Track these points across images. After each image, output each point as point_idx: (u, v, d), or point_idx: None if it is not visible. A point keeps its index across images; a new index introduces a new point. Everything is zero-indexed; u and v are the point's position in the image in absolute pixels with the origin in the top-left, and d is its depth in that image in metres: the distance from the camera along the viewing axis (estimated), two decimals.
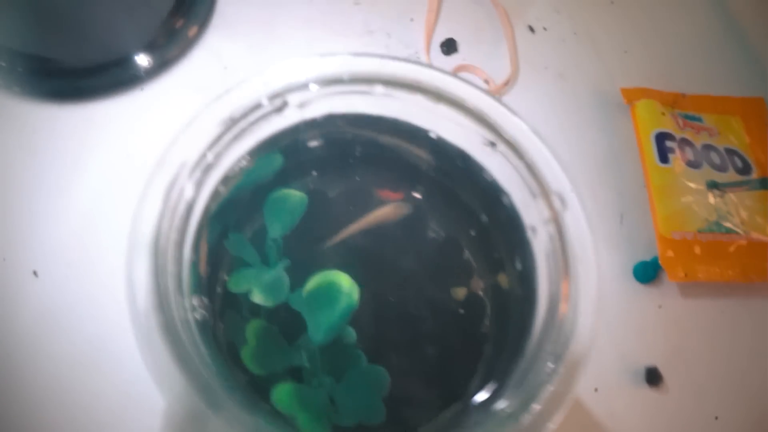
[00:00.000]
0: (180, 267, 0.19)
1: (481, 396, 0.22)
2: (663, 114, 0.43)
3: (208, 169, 0.21)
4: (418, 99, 0.23)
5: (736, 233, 0.40)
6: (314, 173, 0.29)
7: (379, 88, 0.23)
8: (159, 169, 0.19)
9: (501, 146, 0.23)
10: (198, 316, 0.20)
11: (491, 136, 0.23)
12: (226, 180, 0.22)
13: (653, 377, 0.37)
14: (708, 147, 0.43)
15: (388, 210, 0.29)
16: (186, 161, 0.20)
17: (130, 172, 0.37)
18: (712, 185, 0.41)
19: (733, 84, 0.46)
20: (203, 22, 0.43)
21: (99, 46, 0.41)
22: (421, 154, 0.26)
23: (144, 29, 0.43)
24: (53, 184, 0.37)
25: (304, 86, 0.22)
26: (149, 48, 0.41)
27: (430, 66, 0.22)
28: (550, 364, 0.19)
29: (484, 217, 0.27)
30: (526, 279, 0.23)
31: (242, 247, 0.26)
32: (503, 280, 0.28)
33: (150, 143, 0.38)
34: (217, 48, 0.43)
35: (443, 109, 0.23)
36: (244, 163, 0.23)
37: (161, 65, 0.42)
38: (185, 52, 0.43)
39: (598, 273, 0.20)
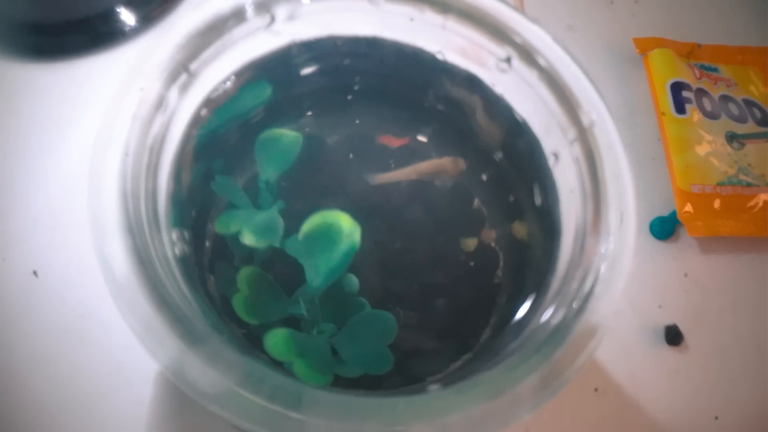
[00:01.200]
0: (155, 194, 0.17)
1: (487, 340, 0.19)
2: (678, 64, 0.40)
3: (186, 85, 0.18)
4: (425, 13, 0.20)
5: (757, 186, 0.37)
6: (309, 113, 0.26)
7: (381, 1, 0.20)
8: (132, 74, 0.17)
9: (516, 61, 0.20)
10: (178, 252, 0.17)
11: (506, 50, 0.20)
12: (208, 102, 0.20)
13: (673, 336, 0.34)
14: (726, 98, 0.40)
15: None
16: (163, 65, 0.17)
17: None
18: (731, 137, 0.39)
19: (750, 33, 0.43)
20: None
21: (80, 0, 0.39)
22: (427, 83, 0.24)
23: None
24: (37, 147, 0.34)
25: None
26: (133, 2, 0.39)
27: None
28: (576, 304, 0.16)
29: (498, 155, 0.24)
30: (547, 215, 0.20)
31: (231, 189, 0.23)
32: (519, 229, 0.25)
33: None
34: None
35: (452, 24, 0.20)
36: (228, 84, 0.20)
37: (147, 20, 0.39)
38: (173, 7, 0.40)
39: (636, 197, 0.17)
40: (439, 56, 0.22)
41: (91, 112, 0.36)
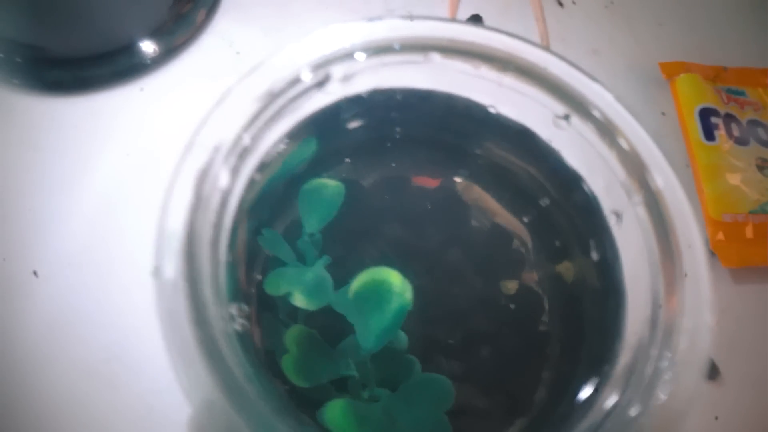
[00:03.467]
0: (216, 270, 0.16)
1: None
2: (706, 89, 0.39)
3: (244, 153, 0.18)
4: (481, 69, 0.20)
5: None
6: (347, 160, 0.25)
7: (436, 57, 0.19)
8: (188, 154, 0.16)
9: (576, 119, 0.19)
10: (239, 327, 0.17)
11: (565, 108, 0.19)
12: (262, 167, 0.19)
13: (710, 371, 0.34)
14: (754, 122, 0.39)
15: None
16: (220, 144, 0.17)
17: (138, 167, 0.34)
18: (762, 163, 0.38)
19: None
20: (212, 6, 0.40)
21: (101, 33, 0.38)
22: (474, 134, 0.23)
23: (149, 14, 0.39)
24: (57, 181, 0.33)
25: (349, 56, 0.19)
26: (155, 34, 0.38)
27: (498, 30, 0.19)
28: (655, 374, 0.15)
29: (544, 201, 0.23)
30: (607, 270, 0.20)
31: (277, 244, 0.22)
32: (566, 270, 0.24)
33: (159, 136, 0.35)
34: (227, 32, 0.39)
35: (509, 80, 0.20)
36: (282, 146, 0.19)
37: (168, 53, 0.38)
38: (194, 38, 0.39)
39: (708, 261, 0.16)
40: (492, 110, 0.21)
41: (112, 145, 0.35)
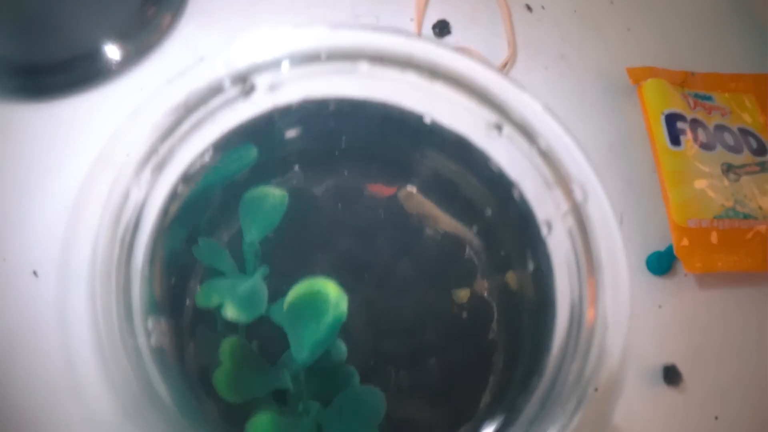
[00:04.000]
0: (127, 287, 0.16)
1: (492, 425, 0.18)
2: (672, 94, 0.39)
3: (161, 165, 0.17)
4: (410, 77, 0.19)
5: (755, 219, 0.36)
6: (296, 168, 0.25)
7: (364, 66, 0.19)
8: (96, 169, 0.16)
9: (508, 129, 0.19)
10: (153, 342, 0.16)
11: (497, 118, 0.19)
12: (186, 178, 0.18)
13: (672, 376, 0.33)
14: (721, 127, 0.39)
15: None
16: (130, 159, 0.16)
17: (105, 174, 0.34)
18: (727, 168, 0.38)
19: (744, 60, 0.42)
20: (177, 11, 0.40)
21: (64, 39, 0.38)
22: (416, 142, 0.23)
23: (113, 20, 0.39)
24: (18, 189, 0.33)
25: (274, 65, 0.18)
26: (119, 40, 0.38)
27: (422, 38, 0.18)
28: (579, 387, 0.15)
29: (488, 211, 0.23)
30: (541, 281, 0.19)
31: (214, 253, 0.22)
32: (512, 279, 0.24)
33: (125, 143, 0.34)
34: (193, 37, 0.39)
35: (440, 88, 0.19)
36: (207, 158, 0.19)
37: (133, 58, 0.38)
38: (159, 43, 0.39)
39: (630, 273, 0.16)
40: (427, 119, 0.21)
41: (76, 153, 0.35)
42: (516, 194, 0.20)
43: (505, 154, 0.20)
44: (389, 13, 0.41)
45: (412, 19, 0.40)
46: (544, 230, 0.19)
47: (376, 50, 0.19)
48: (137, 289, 0.16)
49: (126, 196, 0.16)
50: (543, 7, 0.43)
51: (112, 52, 0.37)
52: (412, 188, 0.26)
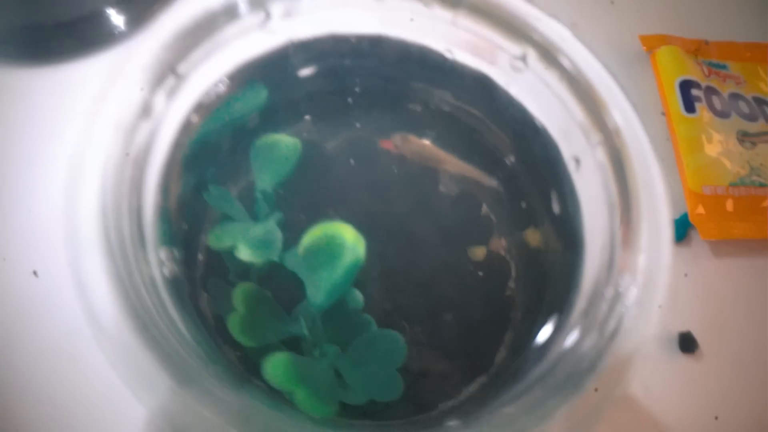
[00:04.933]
0: (140, 210, 0.15)
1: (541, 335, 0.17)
2: (686, 61, 0.38)
3: (175, 89, 0.16)
4: (433, 8, 0.18)
5: None
6: (307, 117, 0.24)
7: None
8: (113, 77, 0.15)
9: (533, 60, 0.18)
10: (167, 272, 0.16)
11: (522, 48, 0.18)
12: (200, 108, 0.18)
13: (687, 344, 0.33)
14: (735, 96, 0.38)
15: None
16: (147, 68, 0.15)
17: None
18: (743, 136, 0.37)
19: (758, 29, 0.41)
20: None
21: (66, 1, 0.37)
22: (433, 85, 0.22)
23: None
24: (23, 155, 0.32)
25: None
26: (122, 3, 0.37)
27: None
28: (611, 312, 0.14)
29: (510, 159, 0.22)
30: (567, 223, 0.19)
31: (226, 201, 0.21)
32: (532, 236, 0.23)
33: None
34: (201, 3, 0.38)
35: (462, 20, 0.19)
36: (222, 87, 0.18)
37: (139, 20, 0.37)
38: (162, 10, 0.38)
39: (669, 209, 0.15)
40: (448, 54, 0.20)
41: (80, 117, 0.34)
42: (540, 128, 0.19)
43: (530, 88, 0.19)
44: None
45: None
46: (571, 166, 0.18)
47: None
48: (149, 219, 0.15)
49: (139, 116, 0.15)
50: None
51: (115, 14, 0.36)
52: (426, 141, 0.25)
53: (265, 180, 0.22)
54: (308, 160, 0.24)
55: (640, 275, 0.15)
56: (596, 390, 0.14)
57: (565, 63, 0.18)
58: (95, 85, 0.34)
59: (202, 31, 0.16)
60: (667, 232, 0.15)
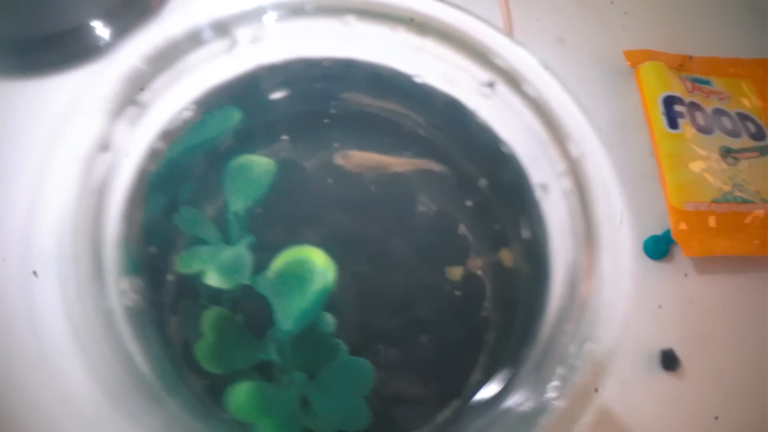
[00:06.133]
0: (98, 241, 0.15)
1: (486, 392, 0.18)
2: (670, 77, 0.38)
3: (138, 117, 0.16)
4: (400, 33, 0.18)
5: (753, 203, 0.36)
6: (284, 137, 0.24)
7: (352, 20, 0.18)
8: (72, 114, 0.15)
9: (501, 86, 0.18)
10: (130, 302, 0.15)
11: (489, 75, 0.18)
12: (166, 135, 0.17)
13: (670, 361, 0.33)
14: (719, 111, 0.38)
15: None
16: (107, 106, 0.15)
17: None
18: (726, 152, 0.37)
19: (742, 45, 0.42)
20: None
21: (50, 14, 0.37)
22: (406, 107, 0.22)
23: None
24: (5, 168, 0.32)
25: (255, 16, 0.17)
26: (108, 15, 0.37)
27: None
28: (572, 350, 0.14)
29: (482, 182, 0.22)
30: (535, 249, 0.19)
31: (197, 222, 0.21)
32: (506, 256, 0.23)
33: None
34: (184, 15, 0.38)
35: (430, 45, 0.19)
36: (189, 113, 0.18)
37: (122, 34, 0.37)
38: (149, 20, 0.38)
39: (632, 235, 0.15)
40: (417, 79, 0.20)
41: (64, 132, 0.34)
42: (508, 154, 0.19)
43: (498, 113, 0.19)
44: None
45: None
46: (539, 193, 0.18)
47: (365, 2, 0.18)
48: (109, 249, 0.15)
49: (98, 148, 0.15)
50: None
51: (100, 27, 0.36)
52: (358, 153, 0.25)
53: (237, 201, 0.22)
54: (284, 180, 0.24)
55: (601, 309, 0.15)
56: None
57: (531, 91, 0.18)
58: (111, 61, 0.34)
59: (163, 59, 0.16)
60: (628, 265, 0.15)
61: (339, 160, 0.25)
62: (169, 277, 0.21)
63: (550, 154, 0.17)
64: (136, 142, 0.16)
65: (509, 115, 0.18)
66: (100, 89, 0.15)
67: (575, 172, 0.16)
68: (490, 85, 0.18)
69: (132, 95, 0.16)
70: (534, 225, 0.19)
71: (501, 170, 0.20)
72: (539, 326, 0.16)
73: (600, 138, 0.16)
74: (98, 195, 0.15)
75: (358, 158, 0.25)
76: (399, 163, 0.22)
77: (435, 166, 0.26)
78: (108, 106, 0.15)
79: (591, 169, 0.16)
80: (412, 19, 0.16)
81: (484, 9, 0.40)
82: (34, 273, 0.26)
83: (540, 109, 0.17)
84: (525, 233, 0.20)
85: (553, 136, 0.17)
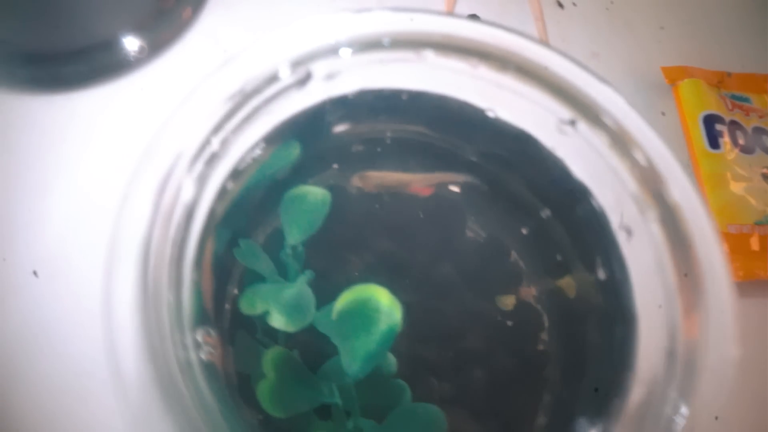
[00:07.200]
0: (179, 292, 0.14)
1: None
2: (709, 95, 0.37)
3: (212, 160, 0.15)
4: (479, 68, 0.18)
5: None
6: (335, 166, 0.23)
7: (430, 55, 0.17)
8: (147, 161, 0.14)
9: (583, 125, 0.17)
10: (204, 356, 0.15)
11: (570, 113, 0.17)
12: (236, 174, 0.17)
13: None
14: (759, 130, 0.38)
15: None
16: (183, 151, 0.14)
17: (120, 170, 0.32)
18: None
19: None
20: (198, 2, 0.38)
21: (80, 28, 0.36)
22: (469, 138, 0.21)
23: (131, 10, 0.37)
24: (33, 184, 0.31)
25: (333, 51, 0.17)
26: (137, 31, 0.36)
27: (498, 25, 0.16)
28: (681, 413, 0.13)
29: (546, 212, 0.21)
30: (614, 290, 0.18)
31: (255, 256, 0.20)
32: (568, 286, 0.22)
33: (142, 136, 0.32)
34: (214, 30, 0.37)
35: (509, 81, 0.18)
36: (258, 152, 0.17)
37: (151, 50, 0.36)
38: (179, 36, 0.37)
39: (731, 290, 0.14)
40: (490, 114, 0.19)
41: (92, 147, 0.33)
42: (586, 196, 0.18)
43: (577, 153, 0.18)
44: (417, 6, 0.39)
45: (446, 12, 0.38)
46: (620, 235, 0.18)
47: (445, 37, 0.17)
48: (187, 296, 0.14)
49: (178, 193, 0.14)
50: (574, 4, 0.41)
51: (129, 43, 0.36)
52: (454, 188, 0.24)
53: (294, 234, 0.21)
54: (335, 207, 0.23)
55: (705, 377, 0.14)
56: None
57: (619, 132, 0.17)
58: (110, 113, 0.34)
59: (242, 98, 0.16)
60: (730, 327, 0.14)
61: (356, 181, 0.24)
62: (226, 307, 0.20)
63: (638, 197, 0.16)
64: (209, 185, 0.15)
65: (591, 154, 0.17)
66: (179, 131, 0.14)
67: (669, 219, 0.16)
68: (572, 123, 0.17)
69: (210, 137, 0.15)
70: (613, 266, 0.18)
71: (574, 207, 0.19)
72: (628, 379, 0.16)
73: (693, 184, 0.15)
74: (177, 245, 0.14)
75: (376, 178, 0.24)
76: (502, 227, 0.22)
77: (482, 188, 0.25)
78: (186, 155, 0.14)
79: (688, 219, 0.15)
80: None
81: (518, 23, 0.39)
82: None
83: (627, 150, 0.17)
84: (601, 273, 0.19)
85: (642, 180, 0.16)
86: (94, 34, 0.36)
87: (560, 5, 0.41)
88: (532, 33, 0.39)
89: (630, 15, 0.41)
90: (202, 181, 0.15)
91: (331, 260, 0.22)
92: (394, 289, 0.20)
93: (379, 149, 0.23)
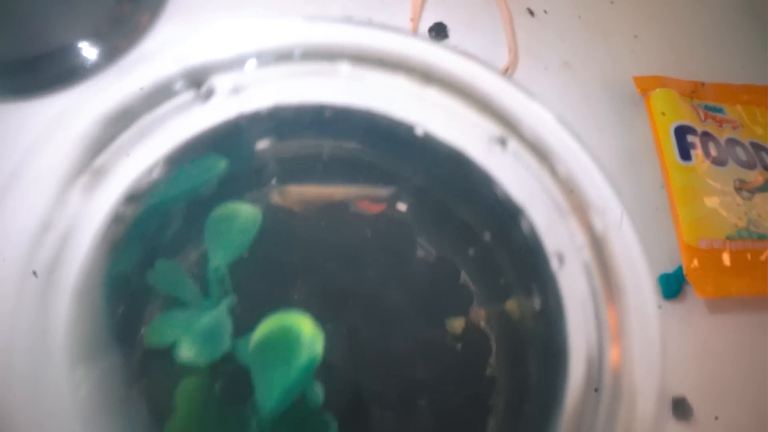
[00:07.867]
0: (44, 328, 0.12)
1: None
2: (682, 105, 0.36)
3: (94, 181, 0.14)
4: (400, 81, 0.16)
5: None
6: (273, 182, 0.22)
7: (345, 67, 0.16)
8: (12, 184, 0.12)
9: (514, 143, 0.16)
10: (83, 392, 0.13)
11: (501, 130, 0.16)
12: (131, 198, 0.15)
13: (681, 409, 0.30)
14: (732, 141, 0.36)
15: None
16: (57, 172, 0.13)
17: None
18: (741, 184, 0.35)
19: (756, 71, 0.39)
20: (155, 9, 0.36)
21: (36, 35, 0.34)
22: (406, 156, 0.19)
23: (86, 17, 0.36)
24: None
25: (237, 64, 0.15)
26: (93, 38, 0.34)
27: (415, 36, 0.15)
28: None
29: (487, 236, 0.20)
30: (549, 321, 0.16)
31: (174, 279, 0.19)
32: (513, 308, 0.21)
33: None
34: (172, 38, 0.36)
35: (434, 95, 0.16)
36: (156, 174, 0.15)
37: (108, 57, 0.35)
38: (136, 43, 0.36)
39: (661, 324, 0.13)
40: (418, 130, 0.18)
41: (44, 157, 0.32)
42: (521, 220, 0.17)
43: (510, 172, 0.16)
44: (383, 15, 0.38)
45: (411, 20, 0.37)
46: (554, 263, 0.16)
47: (360, 49, 0.15)
48: (62, 332, 0.13)
49: (46, 223, 0.13)
50: (546, 12, 0.40)
51: (85, 50, 0.34)
52: (402, 207, 0.23)
53: (218, 256, 0.19)
54: (272, 227, 0.22)
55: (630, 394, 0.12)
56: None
57: (549, 154, 0.15)
58: (66, 121, 0.32)
59: (125, 117, 0.14)
60: (656, 353, 0.13)
61: (275, 198, 0.22)
62: (139, 335, 0.18)
63: (569, 222, 0.15)
64: (93, 210, 0.14)
65: (523, 175, 0.16)
66: (53, 155, 0.13)
67: (598, 246, 0.14)
68: (502, 142, 0.16)
69: (86, 161, 0.13)
70: (547, 295, 0.16)
71: (511, 232, 0.17)
72: (558, 413, 0.14)
73: (624, 206, 0.14)
74: (47, 280, 0.13)
75: (295, 194, 0.23)
76: (450, 249, 0.20)
77: (427, 207, 0.23)
78: (56, 175, 0.13)
79: (615, 246, 0.14)
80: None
81: (488, 32, 0.38)
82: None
83: (556, 172, 0.15)
84: (536, 302, 0.17)
85: (573, 204, 0.15)
86: (51, 42, 0.35)
87: (531, 13, 0.39)
88: (501, 42, 0.38)
89: (603, 24, 0.40)
90: (80, 208, 0.13)
91: (263, 284, 0.21)
92: (333, 314, 0.19)
93: (318, 166, 0.22)
